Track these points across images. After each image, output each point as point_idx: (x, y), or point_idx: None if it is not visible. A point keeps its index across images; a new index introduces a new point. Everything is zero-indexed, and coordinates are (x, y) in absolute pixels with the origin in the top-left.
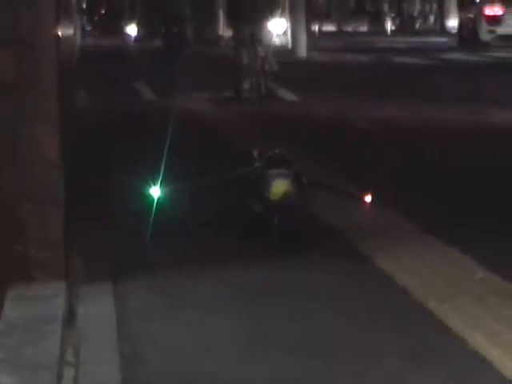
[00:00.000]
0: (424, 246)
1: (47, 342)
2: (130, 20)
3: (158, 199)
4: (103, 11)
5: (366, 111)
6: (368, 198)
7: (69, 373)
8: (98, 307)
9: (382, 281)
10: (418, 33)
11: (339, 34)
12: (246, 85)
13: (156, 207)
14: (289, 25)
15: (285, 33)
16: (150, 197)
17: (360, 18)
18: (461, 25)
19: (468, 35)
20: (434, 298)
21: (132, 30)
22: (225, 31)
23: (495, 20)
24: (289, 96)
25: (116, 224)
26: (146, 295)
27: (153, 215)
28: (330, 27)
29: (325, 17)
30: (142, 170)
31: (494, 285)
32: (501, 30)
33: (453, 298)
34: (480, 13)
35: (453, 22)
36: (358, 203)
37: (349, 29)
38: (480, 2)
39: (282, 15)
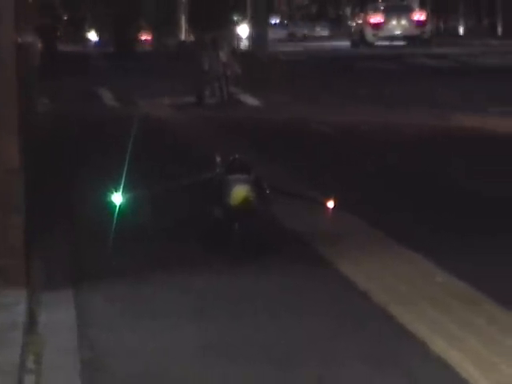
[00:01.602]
0: (385, 249)
1: (8, 349)
2: (91, 26)
3: (120, 206)
4: (65, 18)
5: (327, 115)
6: (330, 204)
7: (30, 379)
8: (60, 314)
9: (344, 285)
10: None
11: (301, 38)
12: (208, 90)
13: (118, 214)
14: (251, 30)
15: (248, 38)
16: (111, 203)
17: (321, 23)
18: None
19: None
20: (395, 301)
21: (93, 36)
22: (187, 37)
23: (378, 26)
24: (251, 100)
25: (78, 231)
26: (107, 303)
27: (115, 222)
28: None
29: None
30: (104, 176)
31: (454, 289)
32: (382, 33)
33: (414, 302)
34: (366, 21)
35: None
36: (320, 208)
37: (312, 33)
38: (365, 12)
39: (244, 21)
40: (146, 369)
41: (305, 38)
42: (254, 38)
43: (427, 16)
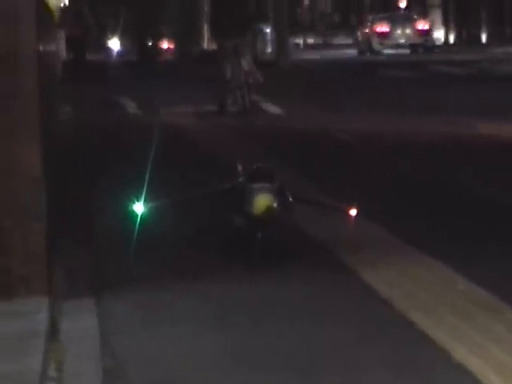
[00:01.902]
0: (407, 258)
1: (30, 357)
2: (112, 35)
3: (142, 215)
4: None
5: (350, 124)
6: (353, 212)
7: None
8: (81, 322)
9: (366, 293)
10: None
11: (323, 46)
12: (230, 98)
13: (139, 223)
14: (273, 38)
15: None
16: (133, 213)
17: (344, 31)
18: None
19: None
20: (415, 308)
21: (115, 44)
22: (209, 45)
23: (384, 35)
24: (273, 109)
25: (100, 239)
26: (128, 310)
27: (136, 231)
28: (315, 40)
29: (309, 30)
30: (125, 184)
31: (476, 296)
32: (388, 42)
33: (435, 309)
34: (373, 30)
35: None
36: (343, 217)
37: (334, 41)
38: (372, 22)
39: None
40: (166, 376)
41: (326, 46)
42: (276, 45)
43: (430, 25)
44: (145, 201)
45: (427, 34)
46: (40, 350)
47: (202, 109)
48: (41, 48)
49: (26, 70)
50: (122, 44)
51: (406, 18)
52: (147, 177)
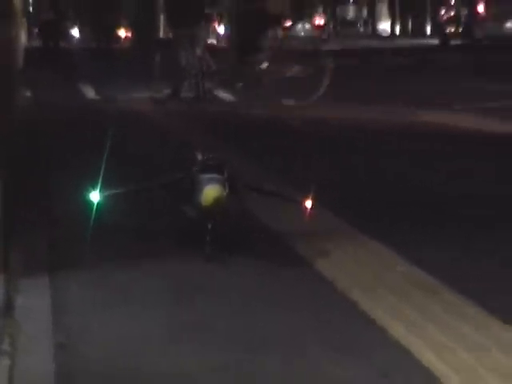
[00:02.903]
0: (352, 242)
1: None
2: (74, 23)
3: (98, 204)
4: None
5: (302, 111)
6: (308, 204)
7: (5, 362)
8: (36, 299)
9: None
10: (352, 36)
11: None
12: (185, 85)
13: (95, 211)
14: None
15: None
16: (89, 201)
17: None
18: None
19: None
20: (359, 289)
21: (76, 32)
22: (165, 35)
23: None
24: (226, 96)
25: (55, 225)
26: (82, 289)
27: (92, 219)
28: None
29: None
30: (83, 171)
31: (414, 278)
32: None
33: (375, 289)
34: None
35: (384, 25)
36: (297, 207)
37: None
38: None
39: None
40: (116, 352)
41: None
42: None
43: (325, 21)
44: (101, 190)
45: (323, 28)
46: None
47: (157, 94)
48: None
49: None
50: (81, 32)
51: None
52: (104, 165)
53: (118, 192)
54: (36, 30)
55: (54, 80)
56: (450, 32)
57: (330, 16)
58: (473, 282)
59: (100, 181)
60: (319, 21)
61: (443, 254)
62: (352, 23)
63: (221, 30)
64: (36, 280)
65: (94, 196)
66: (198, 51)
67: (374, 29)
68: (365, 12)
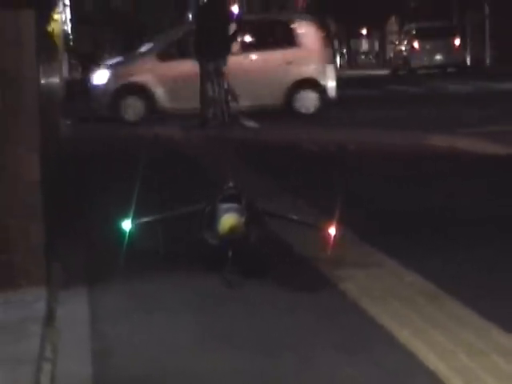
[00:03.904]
0: (362, 254)
1: (29, 341)
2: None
3: (130, 231)
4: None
5: (319, 136)
6: (332, 230)
7: (47, 367)
8: (75, 310)
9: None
10: (363, 66)
11: None
12: (211, 113)
13: (128, 237)
14: None
15: None
16: (121, 229)
17: None
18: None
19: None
20: (367, 298)
21: None
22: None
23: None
24: (249, 123)
25: (92, 243)
26: (117, 300)
27: (125, 243)
28: None
29: None
30: (116, 195)
31: (420, 287)
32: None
33: (384, 298)
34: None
35: None
36: (320, 234)
37: None
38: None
39: None
40: (149, 357)
41: None
42: None
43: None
44: (133, 218)
45: None
46: (38, 335)
47: (187, 122)
48: (42, 70)
49: (28, 90)
50: None
51: None
52: (137, 190)
53: (147, 220)
54: (75, 62)
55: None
56: (398, 64)
57: (347, 48)
58: (474, 291)
59: (132, 209)
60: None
61: (447, 265)
62: (366, 54)
63: None
64: (75, 291)
65: (126, 224)
66: (224, 82)
67: (385, 59)
68: (377, 45)
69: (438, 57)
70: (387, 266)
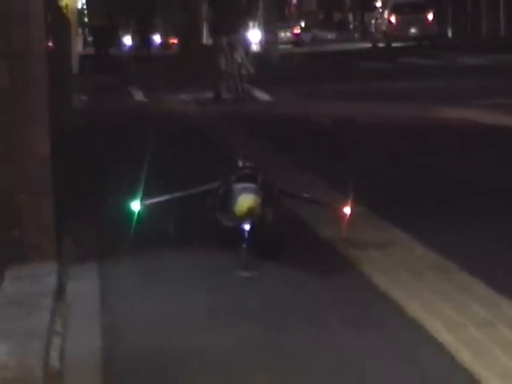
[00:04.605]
0: (374, 228)
1: (40, 315)
2: (127, 31)
3: (139, 212)
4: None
5: (330, 109)
6: (347, 210)
7: (57, 341)
8: (85, 284)
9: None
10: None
11: (312, 41)
12: (224, 87)
13: (137, 219)
14: (263, 34)
15: (260, 41)
16: (131, 210)
17: (329, 27)
18: None
19: None
20: (379, 272)
21: (128, 40)
22: (207, 41)
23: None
24: (263, 96)
25: (102, 218)
26: (127, 274)
27: (134, 222)
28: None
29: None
30: (128, 168)
31: (430, 260)
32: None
33: (396, 272)
34: None
35: None
36: (335, 213)
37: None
38: None
39: (257, 27)
40: (157, 330)
41: (313, 42)
42: (266, 41)
43: (301, 30)
44: (141, 199)
45: (299, 35)
46: (48, 309)
47: (200, 96)
48: (51, 45)
49: (36, 66)
50: (133, 39)
51: (288, 25)
52: (149, 166)
53: (157, 201)
54: (91, 38)
55: (107, 84)
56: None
57: (361, 21)
58: (483, 263)
59: (141, 189)
60: (296, 30)
61: (456, 237)
62: None
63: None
64: (85, 266)
65: (135, 205)
66: (237, 56)
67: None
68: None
69: (413, 30)
70: (398, 240)
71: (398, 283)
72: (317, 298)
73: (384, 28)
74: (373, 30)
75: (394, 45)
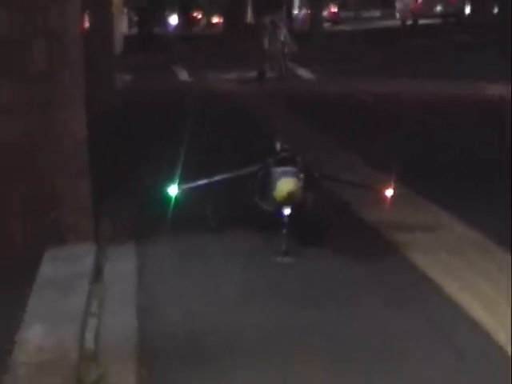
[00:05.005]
0: (416, 207)
1: (76, 295)
2: (172, 10)
3: (176, 197)
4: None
5: (373, 87)
6: (389, 192)
7: (93, 322)
8: (122, 265)
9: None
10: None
11: (355, 19)
12: (268, 66)
13: (175, 203)
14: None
15: (301, 20)
16: (167, 195)
17: (373, 4)
18: None
19: None
20: (419, 251)
21: (173, 19)
22: (251, 20)
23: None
24: (306, 74)
25: (140, 199)
26: (164, 256)
27: (171, 206)
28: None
29: (341, 5)
30: (167, 148)
31: (470, 238)
32: None
33: (435, 251)
34: None
35: None
36: (377, 195)
37: (364, 15)
38: None
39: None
40: (193, 311)
41: (356, 19)
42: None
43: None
44: (179, 183)
45: (336, 14)
46: (85, 290)
47: (244, 75)
48: (91, 25)
49: (72, 47)
50: (179, 19)
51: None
52: (189, 146)
53: (195, 185)
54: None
55: (151, 64)
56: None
57: None
58: None
59: (179, 172)
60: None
61: (494, 215)
62: None
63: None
64: (122, 247)
65: (173, 190)
66: (280, 35)
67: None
68: None
69: (438, 7)
70: (437, 218)
71: (437, 262)
72: (355, 279)
73: (411, 6)
74: (400, 7)
75: (421, 22)
